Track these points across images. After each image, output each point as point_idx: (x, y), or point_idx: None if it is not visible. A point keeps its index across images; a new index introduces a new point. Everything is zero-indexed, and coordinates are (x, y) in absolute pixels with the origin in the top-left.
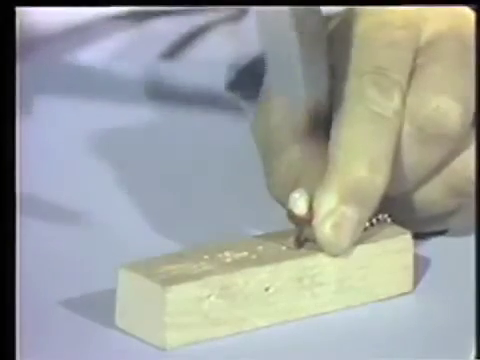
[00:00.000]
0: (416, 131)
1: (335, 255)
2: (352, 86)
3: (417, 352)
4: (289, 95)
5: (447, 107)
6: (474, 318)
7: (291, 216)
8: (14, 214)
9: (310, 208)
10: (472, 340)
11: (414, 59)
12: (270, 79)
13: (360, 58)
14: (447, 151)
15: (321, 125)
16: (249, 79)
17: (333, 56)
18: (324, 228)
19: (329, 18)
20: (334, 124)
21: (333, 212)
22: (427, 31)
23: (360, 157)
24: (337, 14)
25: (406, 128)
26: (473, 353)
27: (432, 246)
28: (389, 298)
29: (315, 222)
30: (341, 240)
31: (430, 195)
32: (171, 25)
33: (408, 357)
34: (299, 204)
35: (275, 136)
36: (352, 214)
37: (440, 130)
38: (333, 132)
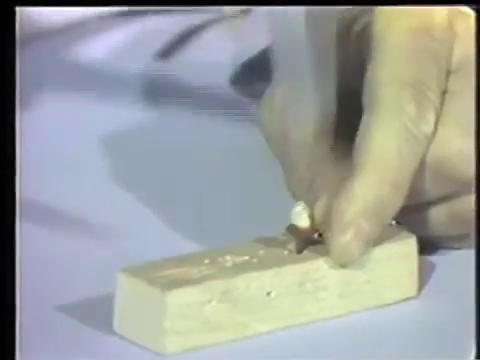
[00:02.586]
0: (431, 160)
1: (343, 265)
2: (390, 94)
3: (419, 356)
4: (298, 86)
5: (469, 153)
6: (474, 318)
7: (293, 229)
8: (14, 217)
9: (312, 220)
10: (472, 340)
11: (446, 79)
12: (279, 72)
13: (399, 65)
14: (454, 187)
15: (334, 122)
16: (250, 76)
17: (361, 54)
18: (341, 239)
19: (357, 15)
20: (363, 127)
21: (351, 224)
22: (457, 50)
23: (386, 174)
24: (366, 11)
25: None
26: (473, 353)
27: (437, 251)
28: (393, 303)
29: (332, 231)
30: (354, 252)
31: (431, 218)
32: (169, 23)
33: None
34: (303, 217)
35: (290, 136)
36: (369, 229)
37: (455, 173)
38: (361, 137)
